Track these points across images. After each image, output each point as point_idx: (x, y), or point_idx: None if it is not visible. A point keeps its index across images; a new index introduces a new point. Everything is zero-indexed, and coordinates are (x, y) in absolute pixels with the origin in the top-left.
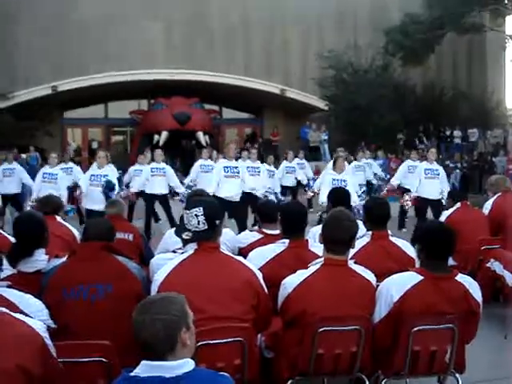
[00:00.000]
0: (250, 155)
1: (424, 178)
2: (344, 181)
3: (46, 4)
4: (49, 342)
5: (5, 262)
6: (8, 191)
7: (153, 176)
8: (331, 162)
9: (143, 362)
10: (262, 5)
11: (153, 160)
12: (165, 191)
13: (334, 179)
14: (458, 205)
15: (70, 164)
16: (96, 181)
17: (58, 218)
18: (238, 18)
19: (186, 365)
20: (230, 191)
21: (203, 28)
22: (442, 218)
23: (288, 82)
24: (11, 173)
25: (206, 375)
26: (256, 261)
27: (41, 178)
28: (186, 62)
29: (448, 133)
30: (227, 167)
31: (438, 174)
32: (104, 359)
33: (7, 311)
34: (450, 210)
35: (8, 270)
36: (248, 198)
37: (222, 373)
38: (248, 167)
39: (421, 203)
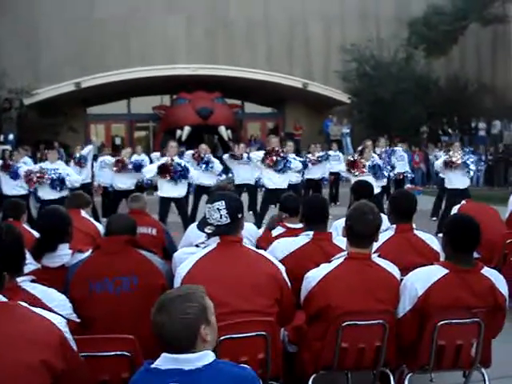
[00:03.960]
0: (287, 148)
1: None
2: None
3: (68, 3)
4: (69, 336)
5: (29, 256)
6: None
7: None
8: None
9: (163, 355)
10: None
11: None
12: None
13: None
14: (464, 202)
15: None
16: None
17: (83, 213)
18: (259, 12)
19: (205, 357)
20: (276, 180)
21: (225, 22)
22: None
23: (310, 75)
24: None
25: (226, 367)
26: (279, 252)
27: None
28: (207, 56)
29: (473, 125)
30: None
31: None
32: (128, 353)
33: (26, 305)
34: (458, 206)
35: (32, 265)
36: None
37: (243, 365)
38: None
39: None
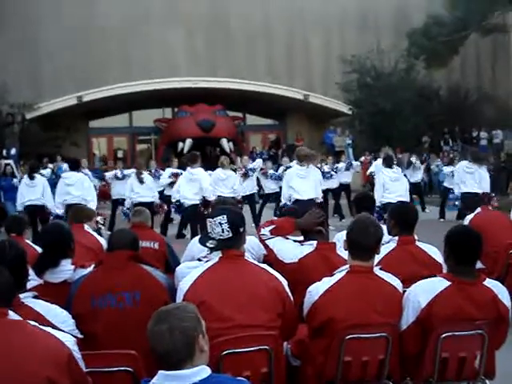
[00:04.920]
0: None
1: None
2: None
3: (68, 16)
4: (78, 354)
5: (31, 272)
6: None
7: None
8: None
9: (160, 372)
10: (283, 10)
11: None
12: None
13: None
14: (479, 209)
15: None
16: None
17: (86, 227)
18: (259, 24)
19: (201, 372)
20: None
21: (225, 34)
22: (465, 222)
23: (311, 86)
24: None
25: (222, 381)
26: (285, 255)
27: None
28: (208, 69)
29: (474, 134)
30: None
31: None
32: (130, 368)
33: (36, 324)
34: (472, 214)
35: (34, 281)
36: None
37: (239, 378)
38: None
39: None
